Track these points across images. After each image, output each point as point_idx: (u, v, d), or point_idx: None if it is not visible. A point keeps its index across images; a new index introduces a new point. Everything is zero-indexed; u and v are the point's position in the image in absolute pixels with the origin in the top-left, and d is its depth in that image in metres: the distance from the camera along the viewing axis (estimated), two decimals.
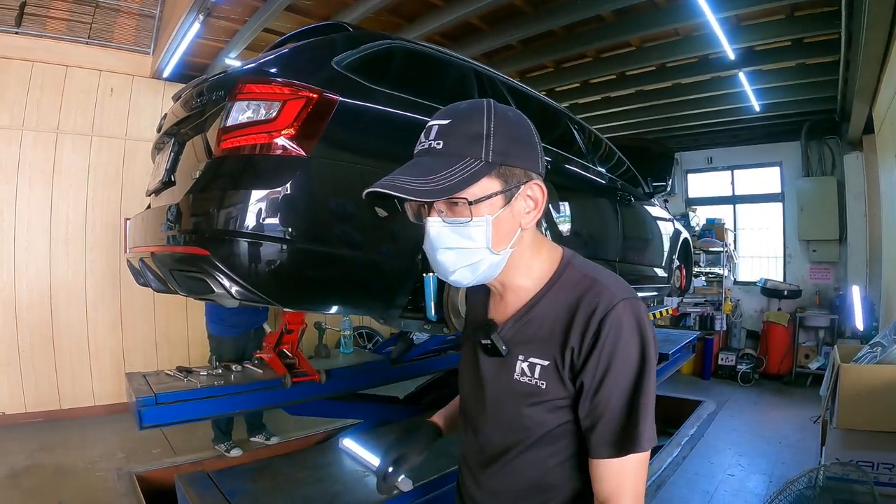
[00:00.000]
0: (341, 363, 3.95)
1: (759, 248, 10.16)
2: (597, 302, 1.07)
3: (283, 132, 2.01)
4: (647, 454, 1.08)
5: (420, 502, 2.70)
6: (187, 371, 3.22)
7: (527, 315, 1.17)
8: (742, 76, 6.61)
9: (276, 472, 3.00)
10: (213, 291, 2.01)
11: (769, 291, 9.04)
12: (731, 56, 5.88)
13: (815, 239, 8.96)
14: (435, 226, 1.07)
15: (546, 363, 1.11)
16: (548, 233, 2.99)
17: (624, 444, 1.05)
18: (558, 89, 7.32)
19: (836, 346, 3.29)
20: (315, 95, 2.08)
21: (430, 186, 1.01)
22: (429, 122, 1.10)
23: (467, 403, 1.33)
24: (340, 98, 2.15)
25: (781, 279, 9.39)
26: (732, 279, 9.87)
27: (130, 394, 2.85)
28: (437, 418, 1.57)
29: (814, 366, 8.33)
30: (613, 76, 7.13)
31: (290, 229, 1.96)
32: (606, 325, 1.05)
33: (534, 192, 1.11)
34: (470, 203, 1.03)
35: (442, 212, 1.07)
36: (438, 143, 1.06)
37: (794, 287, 8.91)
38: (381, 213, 2.10)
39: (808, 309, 8.82)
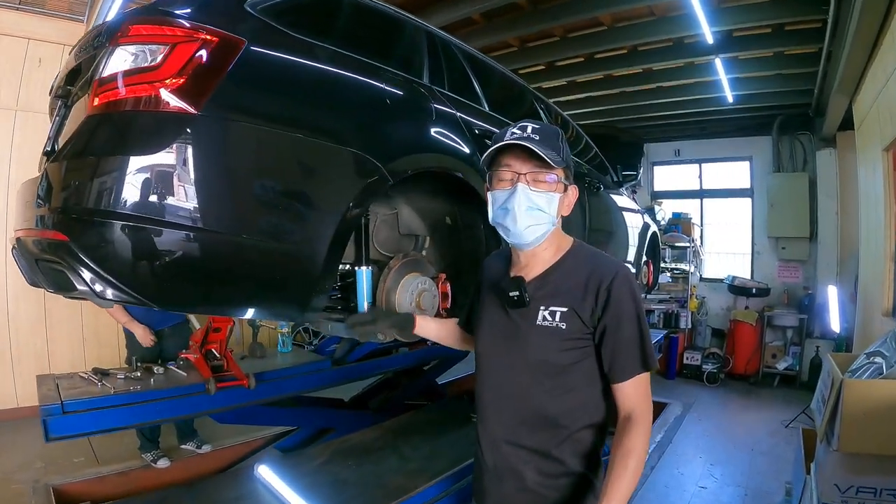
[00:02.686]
0: (278, 364, 3.80)
1: (726, 245, 10.09)
2: (604, 271, 1.53)
3: (167, 82, 1.60)
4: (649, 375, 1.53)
5: None
6: (103, 374, 3.07)
7: (546, 278, 1.60)
8: (718, 63, 6.37)
9: None
10: (76, 288, 1.61)
11: (737, 289, 8.94)
12: (710, 40, 5.60)
13: (784, 236, 8.90)
14: (525, 190, 1.51)
15: (565, 309, 1.52)
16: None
17: (643, 363, 1.50)
18: (522, 71, 6.88)
19: (829, 356, 2.96)
20: (213, 38, 1.67)
21: (548, 155, 1.48)
22: (519, 123, 1.56)
23: (488, 355, 1.69)
24: (248, 43, 1.74)
25: (749, 277, 9.30)
26: (698, 276, 9.75)
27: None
28: (422, 318, 2.02)
29: (781, 366, 8.29)
30: (581, 58, 6.82)
31: (168, 209, 1.55)
32: (615, 287, 1.50)
33: (572, 193, 1.61)
34: (557, 179, 1.55)
35: (528, 182, 1.52)
36: (535, 136, 1.50)
37: (762, 285, 8.80)
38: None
39: (776, 308, 8.73)
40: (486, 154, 1.57)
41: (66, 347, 5.99)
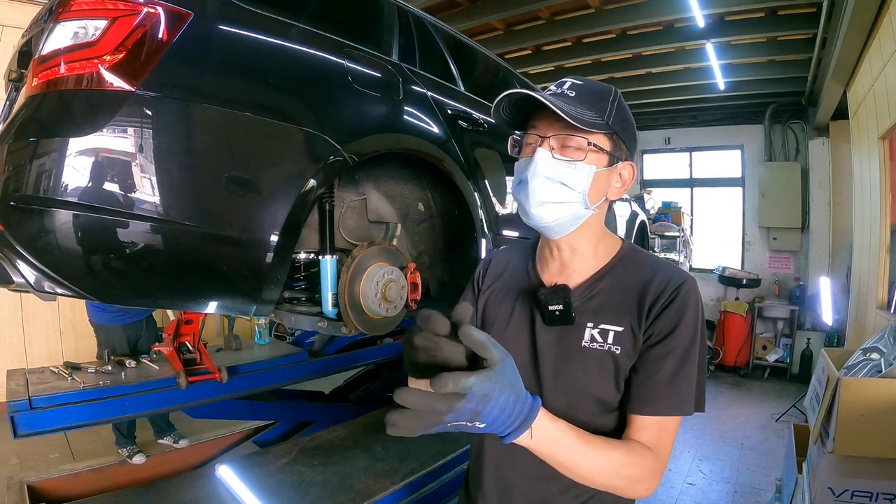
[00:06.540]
0: (255, 357, 3.75)
1: (716, 235, 9.98)
2: (669, 279, 1.17)
3: (105, 58, 1.49)
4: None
5: None
6: (74, 368, 3.06)
7: (593, 287, 1.22)
8: (710, 48, 6.19)
9: None
10: (13, 281, 1.52)
11: (727, 280, 8.82)
12: (701, 23, 5.43)
13: (775, 226, 8.79)
14: (545, 157, 1.15)
15: (620, 329, 1.16)
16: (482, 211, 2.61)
17: (684, 402, 1.12)
18: (508, 55, 6.74)
19: (824, 351, 2.80)
20: (156, 10, 1.55)
21: (574, 113, 1.09)
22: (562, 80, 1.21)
23: None
24: (195, 16, 1.61)
25: (739, 267, 9.19)
26: (688, 266, 9.57)
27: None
28: None
29: (772, 358, 8.21)
30: (569, 42, 6.62)
31: (105, 195, 1.46)
32: (681, 296, 1.14)
33: (627, 172, 1.22)
34: (589, 144, 1.13)
35: (553, 148, 1.15)
36: (571, 92, 1.16)
37: (753, 276, 8.69)
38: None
39: (767, 299, 8.66)
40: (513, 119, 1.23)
41: (42, 340, 5.81)
